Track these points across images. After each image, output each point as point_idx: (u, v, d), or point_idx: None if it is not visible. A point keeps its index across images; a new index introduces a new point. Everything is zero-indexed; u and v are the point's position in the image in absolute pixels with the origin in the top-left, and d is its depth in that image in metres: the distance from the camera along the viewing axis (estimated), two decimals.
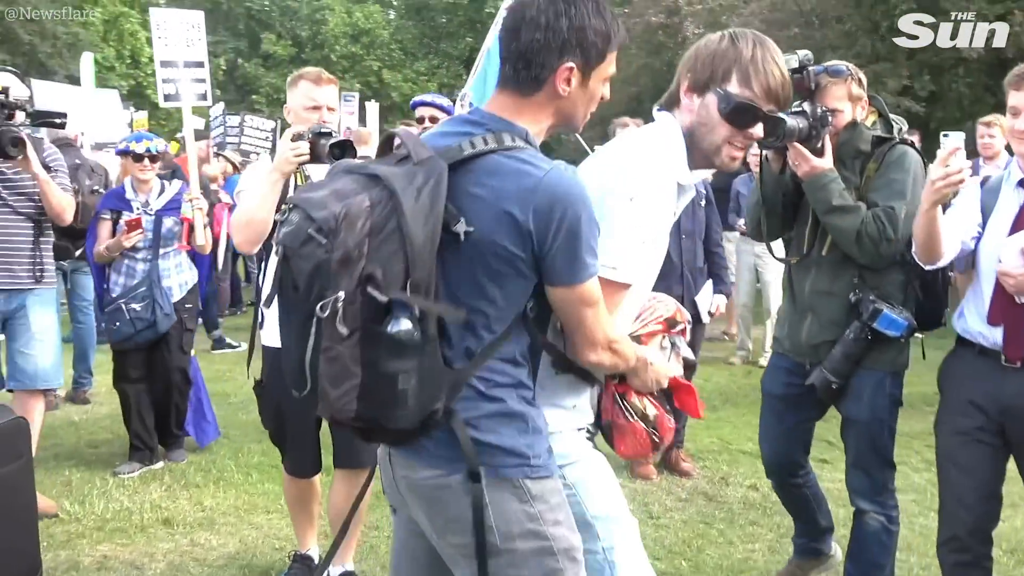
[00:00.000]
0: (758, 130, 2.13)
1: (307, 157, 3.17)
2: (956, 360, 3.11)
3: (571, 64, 1.85)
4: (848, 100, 3.16)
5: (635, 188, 2.01)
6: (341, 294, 1.63)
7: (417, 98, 5.15)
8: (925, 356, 3.39)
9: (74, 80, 18.10)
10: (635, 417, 2.21)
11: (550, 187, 1.76)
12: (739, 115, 2.10)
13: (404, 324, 1.66)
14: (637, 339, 2.21)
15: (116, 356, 5.25)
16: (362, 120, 13.89)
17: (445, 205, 1.71)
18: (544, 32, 1.83)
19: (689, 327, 2.38)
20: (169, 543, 4.13)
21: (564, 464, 2.07)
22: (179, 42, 7.18)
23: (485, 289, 1.80)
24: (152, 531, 4.26)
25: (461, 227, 1.75)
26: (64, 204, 4.47)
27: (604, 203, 1.98)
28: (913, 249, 2.98)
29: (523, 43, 1.85)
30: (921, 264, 3.01)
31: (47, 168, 4.43)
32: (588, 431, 2.19)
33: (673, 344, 2.32)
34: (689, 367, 2.36)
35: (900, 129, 3.27)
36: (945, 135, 2.86)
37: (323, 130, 3.22)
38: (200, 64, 7.25)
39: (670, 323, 2.30)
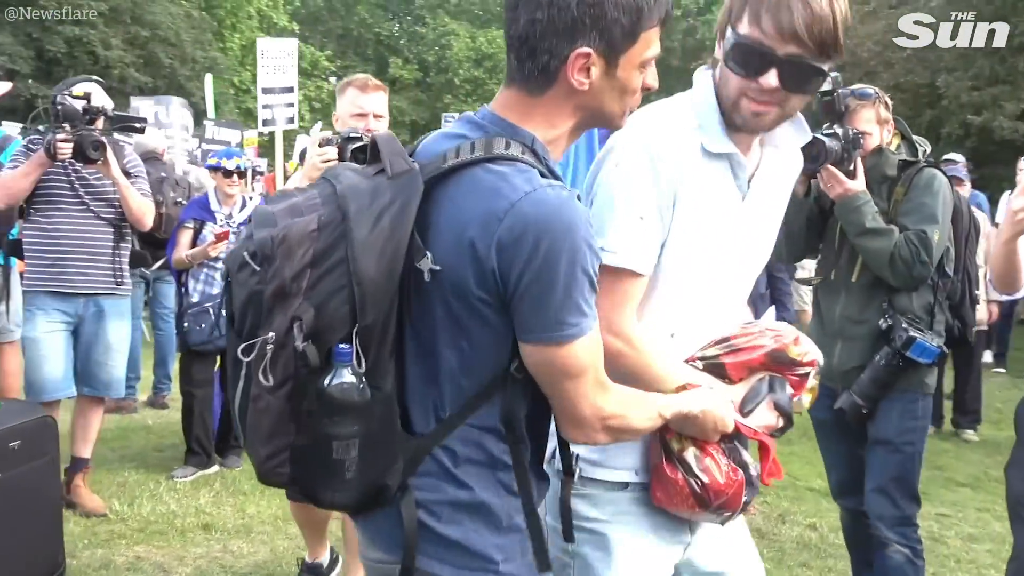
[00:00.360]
0: (769, 79, 1.66)
1: (335, 162, 3.15)
2: None
3: (587, 50, 1.42)
4: (876, 123, 3.14)
5: (622, 152, 1.70)
6: (271, 335, 1.36)
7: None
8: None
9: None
10: (673, 460, 1.75)
11: (523, 213, 1.35)
12: (741, 59, 1.68)
13: (345, 378, 1.36)
14: (719, 367, 1.80)
15: (186, 359, 5.41)
16: None
17: (412, 233, 1.39)
18: (547, 9, 1.41)
19: (814, 372, 1.87)
20: (203, 548, 4.19)
21: (575, 525, 1.76)
22: (278, 69, 7.52)
23: (450, 336, 1.44)
24: (190, 535, 4.34)
25: (426, 264, 1.40)
26: (144, 209, 4.58)
27: (597, 176, 1.73)
28: (988, 277, 2.86)
29: (522, 25, 1.44)
30: (999, 293, 2.90)
31: (128, 174, 4.56)
32: (634, 481, 1.80)
33: (772, 387, 1.82)
34: (785, 417, 1.83)
35: (925, 151, 3.22)
36: None
37: (352, 135, 3.19)
38: (291, 89, 7.54)
39: (776, 358, 1.82)
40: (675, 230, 1.72)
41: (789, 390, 1.85)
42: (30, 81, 21.32)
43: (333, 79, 32.03)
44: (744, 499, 1.77)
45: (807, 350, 1.86)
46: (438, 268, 1.40)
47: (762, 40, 1.65)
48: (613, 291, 1.67)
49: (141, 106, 10.59)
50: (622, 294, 1.69)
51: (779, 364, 1.83)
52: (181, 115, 10.89)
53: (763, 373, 1.83)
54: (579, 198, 1.42)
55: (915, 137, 3.25)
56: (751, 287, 1.95)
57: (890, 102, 3.20)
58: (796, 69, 1.65)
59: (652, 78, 1.54)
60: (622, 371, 1.67)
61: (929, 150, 3.24)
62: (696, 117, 1.75)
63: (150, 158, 6.53)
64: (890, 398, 3.12)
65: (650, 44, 1.49)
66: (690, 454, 1.74)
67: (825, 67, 1.66)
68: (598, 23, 1.42)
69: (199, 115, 16.15)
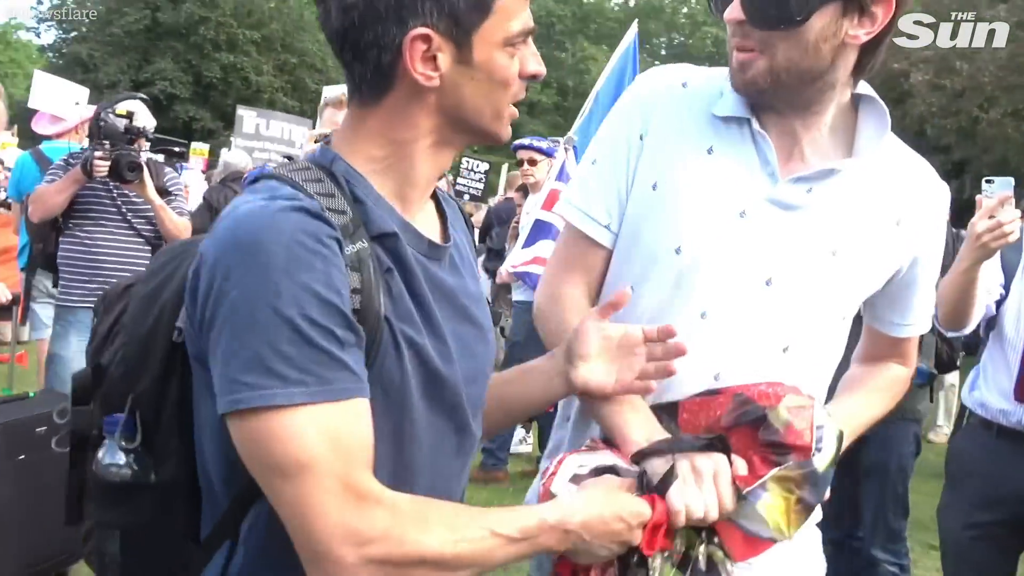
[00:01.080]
0: (730, 11, 1.36)
1: None
2: (969, 441, 2.78)
3: (424, 30, 1.05)
4: None
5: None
6: None
7: (516, 141, 5.25)
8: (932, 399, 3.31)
9: None
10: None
11: (215, 235, 1.02)
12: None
13: (113, 459, 1.10)
14: (673, 406, 1.33)
15: None
16: None
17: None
18: None
19: (795, 462, 1.21)
20: None
21: None
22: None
23: (197, 415, 1.11)
24: None
25: (179, 321, 1.10)
26: (180, 227, 4.57)
27: None
28: (933, 313, 2.76)
29: (336, 17, 1.07)
30: (943, 330, 2.76)
31: (166, 192, 4.56)
32: None
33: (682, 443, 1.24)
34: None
35: None
36: (989, 181, 2.51)
37: None
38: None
39: (743, 413, 1.25)
40: (649, 189, 1.45)
41: (724, 465, 1.20)
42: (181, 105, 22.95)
43: None
44: None
45: (801, 426, 1.21)
46: (180, 326, 1.10)
47: None
48: (561, 247, 1.53)
49: (245, 116, 11.28)
50: (565, 252, 1.50)
51: (749, 426, 1.23)
52: (282, 130, 11.48)
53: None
54: (313, 213, 1.02)
55: None
56: (813, 349, 1.45)
57: None
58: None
59: (534, 62, 1.14)
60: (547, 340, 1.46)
61: None
62: (703, 74, 1.53)
63: (237, 178, 6.96)
64: (885, 424, 3.11)
65: (512, 14, 1.10)
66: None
67: None
68: None
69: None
